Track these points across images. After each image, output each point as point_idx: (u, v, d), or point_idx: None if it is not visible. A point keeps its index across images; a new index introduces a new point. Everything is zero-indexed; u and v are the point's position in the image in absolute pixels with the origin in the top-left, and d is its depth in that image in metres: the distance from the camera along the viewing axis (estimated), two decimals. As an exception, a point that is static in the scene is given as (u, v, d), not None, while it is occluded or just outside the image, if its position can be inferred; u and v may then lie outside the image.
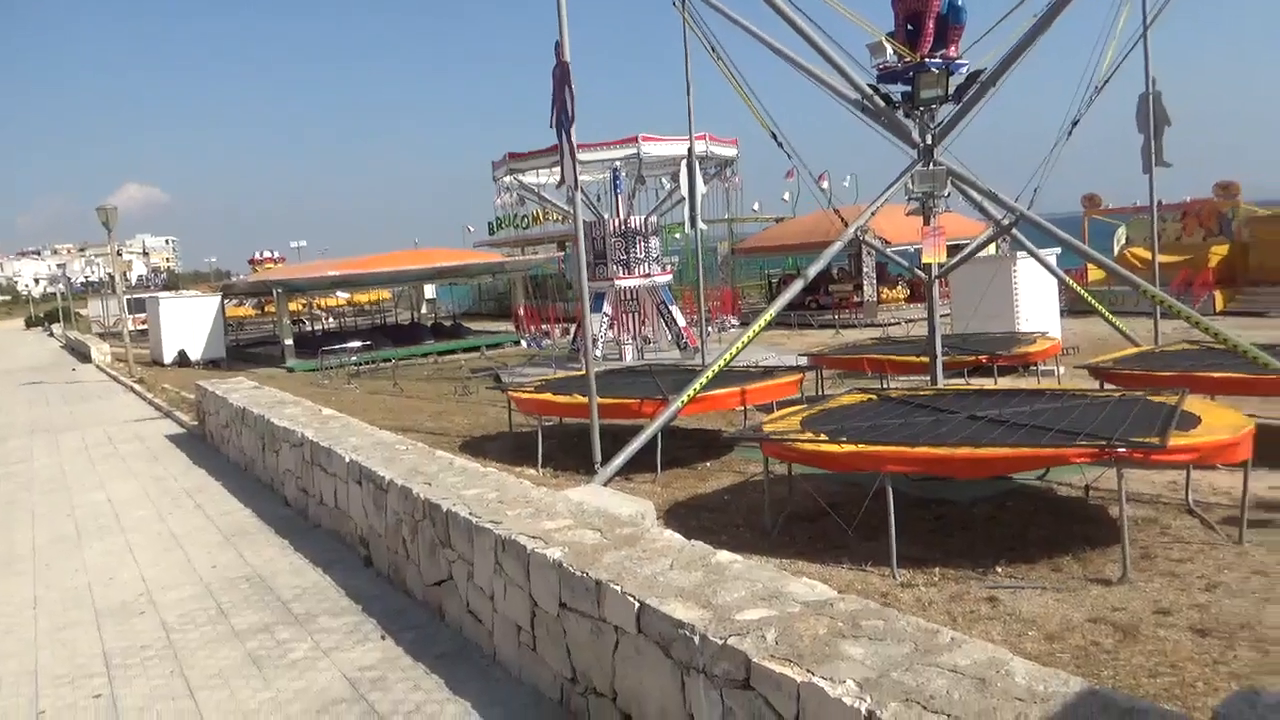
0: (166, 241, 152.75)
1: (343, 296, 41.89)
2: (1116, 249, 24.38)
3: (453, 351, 25.74)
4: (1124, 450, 6.22)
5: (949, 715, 2.45)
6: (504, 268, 30.70)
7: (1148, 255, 14.09)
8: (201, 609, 6.32)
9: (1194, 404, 7.56)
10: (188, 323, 27.74)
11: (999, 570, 6.55)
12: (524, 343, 23.19)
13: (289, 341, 26.33)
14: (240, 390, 12.51)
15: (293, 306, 34.43)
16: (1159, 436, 6.33)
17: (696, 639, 3.26)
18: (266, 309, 40.97)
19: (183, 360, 27.04)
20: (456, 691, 4.68)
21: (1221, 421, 6.96)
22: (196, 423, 14.38)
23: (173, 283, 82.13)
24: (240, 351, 30.46)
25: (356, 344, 24.52)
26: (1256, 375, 8.46)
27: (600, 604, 3.90)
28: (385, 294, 41.19)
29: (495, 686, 4.73)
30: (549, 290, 28.18)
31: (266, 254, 51.80)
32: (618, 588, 3.78)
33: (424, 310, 38.90)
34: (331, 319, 39.88)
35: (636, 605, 3.64)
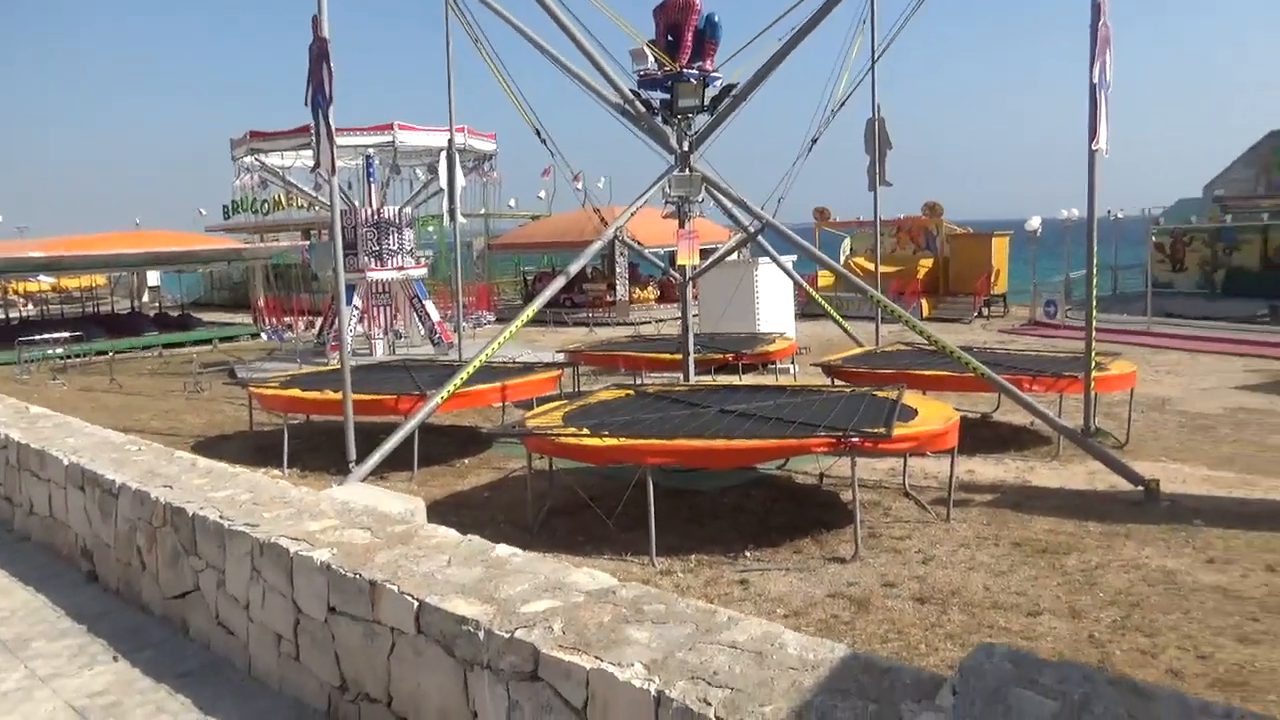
0: None
1: (46, 281, 36.91)
2: (842, 259, 26.63)
3: (181, 344, 23.55)
4: (857, 440, 6.87)
5: (732, 688, 2.61)
6: (241, 255, 28.50)
7: (868, 265, 15.48)
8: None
9: (910, 398, 8.45)
10: None
11: (748, 554, 7.01)
12: (264, 336, 21.68)
13: (-25, 331, 22.86)
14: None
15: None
16: (886, 427, 7.03)
17: (481, 634, 3.23)
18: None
19: None
20: (207, 711, 4.33)
21: (934, 414, 7.83)
22: None
23: None
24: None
25: (64, 334, 21.81)
26: (959, 374, 9.60)
27: (375, 605, 3.76)
28: (100, 280, 36.74)
29: (251, 702, 4.43)
30: (292, 281, 26.54)
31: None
32: (394, 587, 3.67)
33: (146, 299, 35.28)
34: (32, 306, 35.13)
35: (415, 604, 3.56)
